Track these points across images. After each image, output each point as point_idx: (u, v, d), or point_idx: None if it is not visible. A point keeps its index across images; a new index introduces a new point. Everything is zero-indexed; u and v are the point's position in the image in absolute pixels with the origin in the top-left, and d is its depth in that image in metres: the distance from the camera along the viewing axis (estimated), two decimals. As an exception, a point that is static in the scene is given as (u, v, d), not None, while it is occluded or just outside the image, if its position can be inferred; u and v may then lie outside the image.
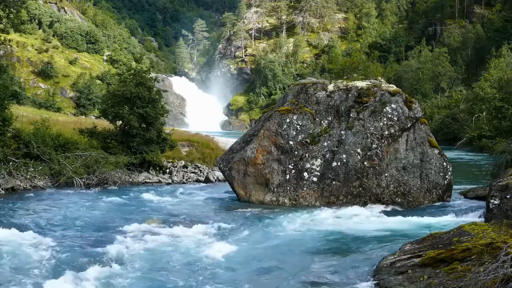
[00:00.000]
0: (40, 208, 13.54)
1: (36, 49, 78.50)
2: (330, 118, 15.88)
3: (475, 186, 18.15)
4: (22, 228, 10.84)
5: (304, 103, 16.16)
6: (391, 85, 16.74)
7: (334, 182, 14.96)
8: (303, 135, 15.52)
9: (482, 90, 41.74)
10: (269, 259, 9.39)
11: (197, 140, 26.84)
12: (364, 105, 15.72)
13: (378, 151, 15.04)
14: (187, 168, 23.13)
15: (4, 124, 16.94)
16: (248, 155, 15.55)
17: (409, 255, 8.00)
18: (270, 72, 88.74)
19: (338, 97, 16.19)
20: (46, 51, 78.60)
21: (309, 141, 15.43)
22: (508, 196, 10.13)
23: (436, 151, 15.61)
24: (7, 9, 17.39)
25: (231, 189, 16.54)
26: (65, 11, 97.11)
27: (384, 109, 15.42)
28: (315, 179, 15.04)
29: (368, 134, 15.19)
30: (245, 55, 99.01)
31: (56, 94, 70.86)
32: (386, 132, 15.20)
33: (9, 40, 19.88)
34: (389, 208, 14.50)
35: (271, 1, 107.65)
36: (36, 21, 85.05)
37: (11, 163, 16.52)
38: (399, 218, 13.33)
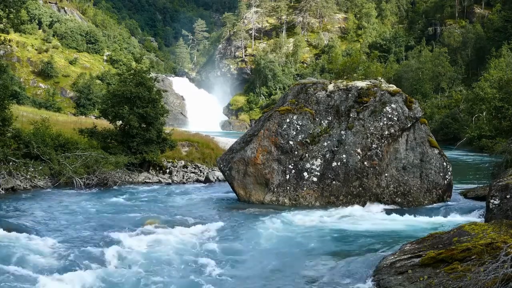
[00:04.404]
0: (40, 208, 13.54)
1: (36, 49, 78.50)
2: (330, 118, 15.88)
3: (475, 186, 18.15)
4: (22, 228, 10.84)
5: (304, 103, 16.16)
6: (391, 85, 16.74)
7: (334, 182, 14.96)
8: (303, 135, 15.52)
9: (482, 90, 41.72)
10: (269, 259, 9.38)
11: (197, 140, 26.85)
12: (364, 105, 15.72)
13: (378, 151, 15.04)
14: (187, 168, 23.13)
15: (4, 124, 16.93)
16: (248, 155, 15.56)
17: (409, 255, 8.00)
18: (270, 72, 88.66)
19: (338, 97, 16.19)
20: (46, 51, 78.58)
21: (309, 141, 15.43)
22: (508, 196, 10.13)
23: (436, 151, 15.62)
24: (7, 9, 17.37)
25: (231, 189, 16.54)
26: (65, 11, 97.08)
27: (384, 109, 15.42)
28: (315, 179, 15.04)
29: (368, 134, 15.19)
30: (245, 55, 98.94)
31: (56, 94, 70.89)
32: (386, 132, 15.20)
33: (9, 40, 19.88)
34: (389, 208, 14.51)
35: (271, 1, 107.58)
36: (36, 21, 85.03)
37: (11, 163, 16.52)
38: (399, 218, 13.34)
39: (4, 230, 10.39)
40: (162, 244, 10.15)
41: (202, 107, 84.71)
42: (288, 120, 15.65)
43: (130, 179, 19.97)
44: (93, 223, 12.05)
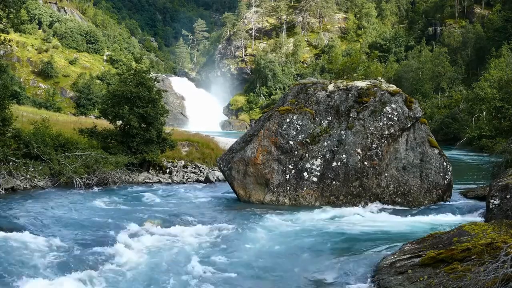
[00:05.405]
0: (40, 208, 13.53)
1: (36, 49, 78.51)
2: (330, 118, 15.89)
3: (475, 186, 18.15)
4: (22, 228, 10.83)
5: (304, 103, 16.16)
6: (391, 85, 16.74)
7: (334, 182, 14.96)
8: (303, 135, 15.52)
9: (482, 90, 41.73)
10: (269, 259, 9.38)
11: (197, 140, 26.86)
12: (364, 105, 15.72)
13: (378, 151, 15.04)
14: (187, 168, 23.13)
15: (4, 124, 16.93)
16: (248, 155, 15.56)
17: (409, 255, 8.00)
18: (270, 72, 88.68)
19: (338, 97, 16.19)
20: (46, 51, 78.60)
21: (309, 141, 15.44)
22: (508, 196, 10.13)
23: (436, 151, 15.61)
24: (7, 9, 17.37)
25: (231, 189, 16.54)
26: (65, 11, 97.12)
27: (384, 109, 15.43)
28: (315, 179, 15.04)
29: (368, 134, 15.19)
30: (245, 55, 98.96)
31: (56, 94, 70.90)
32: (386, 132, 15.20)
33: (9, 40, 19.86)
34: (389, 208, 14.51)
35: (271, 1, 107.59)
36: (36, 21, 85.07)
37: (11, 163, 16.51)
38: (399, 218, 13.34)
39: (4, 230, 10.39)
40: (161, 244, 10.16)
41: (202, 107, 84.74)
42: (288, 120, 15.65)
43: (130, 179, 19.97)
44: (93, 223, 12.04)
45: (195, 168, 23.44)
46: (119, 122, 21.02)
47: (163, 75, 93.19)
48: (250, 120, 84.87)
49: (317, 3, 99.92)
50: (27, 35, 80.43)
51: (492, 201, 10.46)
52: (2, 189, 15.62)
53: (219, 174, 21.63)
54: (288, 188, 15.19)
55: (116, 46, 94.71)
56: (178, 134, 26.65)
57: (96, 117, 37.72)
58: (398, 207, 14.67)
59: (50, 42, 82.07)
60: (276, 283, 8.14)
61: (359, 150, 15.06)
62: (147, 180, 20.64)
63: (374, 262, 8.60)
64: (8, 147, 16.74)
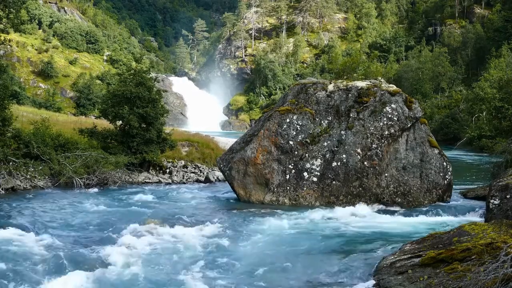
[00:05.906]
0: (40, 208, 13.54)
1: (36, 49, 78.49)
2: (330, 118, 15.88)
3: (475, 186, 18.16)
4: (22, 228, 10.83)
5: (304, 103, 16.16)
6: (391, 85, 16.74)
7: (334, 182, 14.96)
8: (303, 135, 15.52)
9: (482, 90, 41.73)
10: (269, 259, 9.38)
11: (197, 140, 26.85)
12: (364, 105, 15.72)
13: (378, 151, 15.04)
14: (187, 168, 23.13)
15: (4, 124, 16.93)
16: (248, 155, 15.56)
17: (409, 255, 8.00)
18: (270, 72, 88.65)
19: (338, 97, 16.19)
20: (46, 51, 78.57)
21: (309, 141, 15.43)
22: (508, 196, 10.14)
23: (436, 151, 15.62)
24: (7, 9, 17.37)
25: (231, 189, 16.54)
26: (65, 11, 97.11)
27: (384, 109, 15.42)
28: (315, 179, 15.04)
29: (368, 134, 15.19)
30: (245, 55, 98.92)
31: (56, 94, 70.90)
32: (386, 132, 15.20)
33: (9, 40, 19.86)
34: (389, 208, 14.51)
35: (271, 1, 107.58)
36: (36, 21, 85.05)
37: (11, 163, 16.51)
38: (399, 218, 13.34)
39: (4, 230, 10.40)
40: (161, 244, 10.16)
41: (202, 107, 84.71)
42: (288, 120, 15.65)
43: (130, 179, 19.97)
44: (93, 223, 12.05)
45: (195, 168, 23.44)
46: (119, 122, 21.02)
47: (163, 75, 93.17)
48: (250, 120, 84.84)
49: (317, 3, 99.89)
50: (27, 35, 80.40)
51: (492, 201, 10.46)
52: (2, 189, 15.63)
53: (219, 174, 21.63)
54: (288, 188, 15.19)
55: (116, 46, 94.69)
56: (178, 134, 26.65)
57: (96, 117, 37.72)
58: (398, 207, 14.67)
59: (50, 42, 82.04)
60: (275, 283, 8.13)
61: (359, 150, 15.06)
62: (147, 180, 20.64)
63: (374, 262, 8.60)
64: (8, 147, 16.74)
